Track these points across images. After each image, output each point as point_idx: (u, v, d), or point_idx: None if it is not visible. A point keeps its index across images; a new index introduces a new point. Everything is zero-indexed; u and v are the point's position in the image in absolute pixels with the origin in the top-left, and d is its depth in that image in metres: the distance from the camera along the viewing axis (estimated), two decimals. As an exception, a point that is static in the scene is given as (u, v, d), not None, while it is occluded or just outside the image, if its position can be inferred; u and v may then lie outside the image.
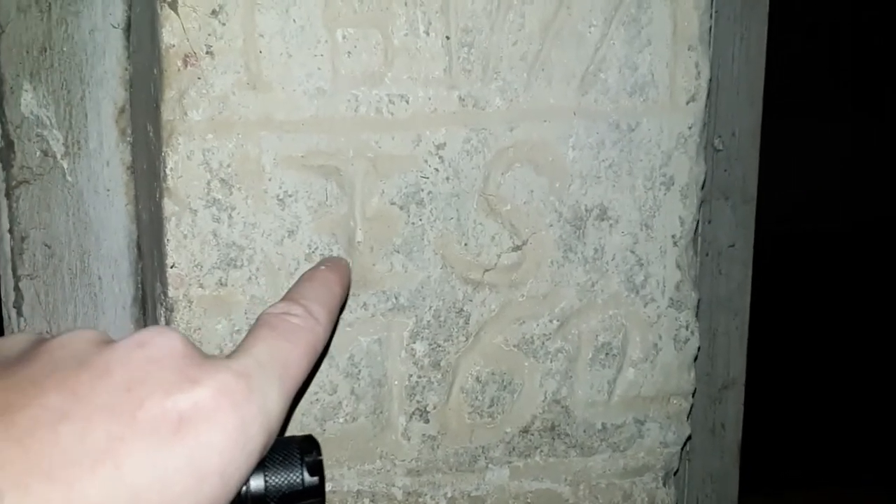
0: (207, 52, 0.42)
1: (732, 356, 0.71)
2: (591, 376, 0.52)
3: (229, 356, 0.32)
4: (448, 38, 0.46)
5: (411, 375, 0.49)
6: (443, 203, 0.48)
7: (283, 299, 0.37)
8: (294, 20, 0.43)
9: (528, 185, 0.49)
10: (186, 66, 0.42)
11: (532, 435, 0.52)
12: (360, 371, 0.48)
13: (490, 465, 0.52)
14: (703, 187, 0.53)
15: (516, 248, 0.50)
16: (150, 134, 0.46)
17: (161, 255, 0.45)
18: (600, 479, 0.54)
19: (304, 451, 0.34)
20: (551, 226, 0.50)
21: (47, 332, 0.52)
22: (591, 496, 0.54)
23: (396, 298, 0.48)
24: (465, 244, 0.49)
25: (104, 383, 0.28)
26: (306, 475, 0.34)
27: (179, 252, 0.44)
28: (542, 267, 0.50)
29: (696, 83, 0.51)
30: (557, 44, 0.48)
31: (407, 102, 0.46)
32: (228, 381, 0.29)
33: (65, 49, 0.49)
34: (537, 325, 0.51)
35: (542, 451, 0.52)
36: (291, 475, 0.33)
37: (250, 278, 0.45)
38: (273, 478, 0.33)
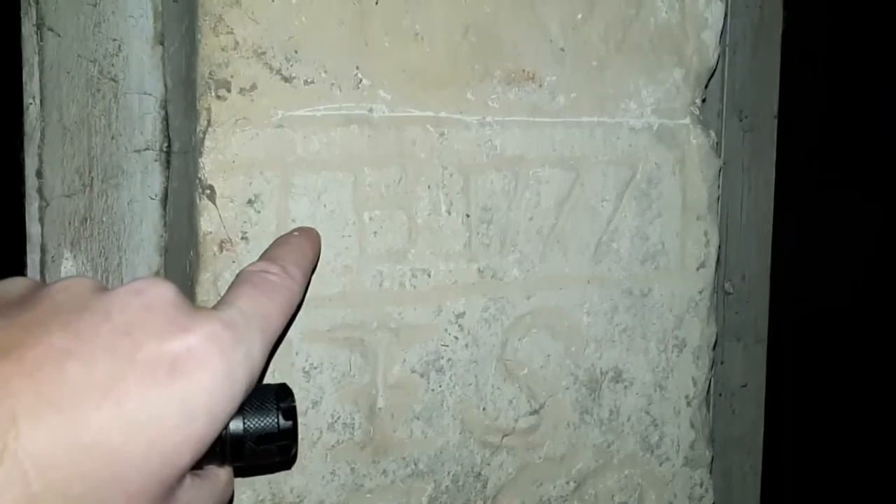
0: (242, 238, 0.44)
1: (746, 497, 0.71)
2: (607, 536, 0.53)
3: (215, 307, 0.34)
4: (468, 215, 0.48)
5: (430, 538, 0.50)
6: (462, 369, 0.49)
7: (260, 259, 0.40)
8: (325, 205, 0.46)
9: (545, 349, 0.51)
10: (222, 251, 0.44)
11: None
12: (380, 535, 0.49)
13: None
14: (714, 347, 0.55)
15: (534, 412, 0.51)
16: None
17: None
18: None
19: (280, 397, 0.37)
20: (567, 388, 0.52)
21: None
22: None
23: (416, 464, 0.49)
24: (484, 408, 0.50)
25: (105, 326, 0.30)
26: (281, 419, 0.36)
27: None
28: (559, 429, 0.52)
29: (706, 250, 0.53)
30: (572, 217, 0.50)
31: (429, 276, 0.48)
32: (218, 330, 0.32)
33: (104, 219, 0.52)
34: (554, 486, 0.52)
35: None
36: (268, 419, 0.36)
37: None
38: (251, 420, 0.35)
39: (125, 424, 0.28)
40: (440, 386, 0.49)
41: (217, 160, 0.44)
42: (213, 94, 0.44)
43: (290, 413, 0.37)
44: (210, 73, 0.44)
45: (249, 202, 0.44)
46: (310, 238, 0.44)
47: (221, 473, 0.37)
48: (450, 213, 0.48)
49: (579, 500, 0.52)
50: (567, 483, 0.52)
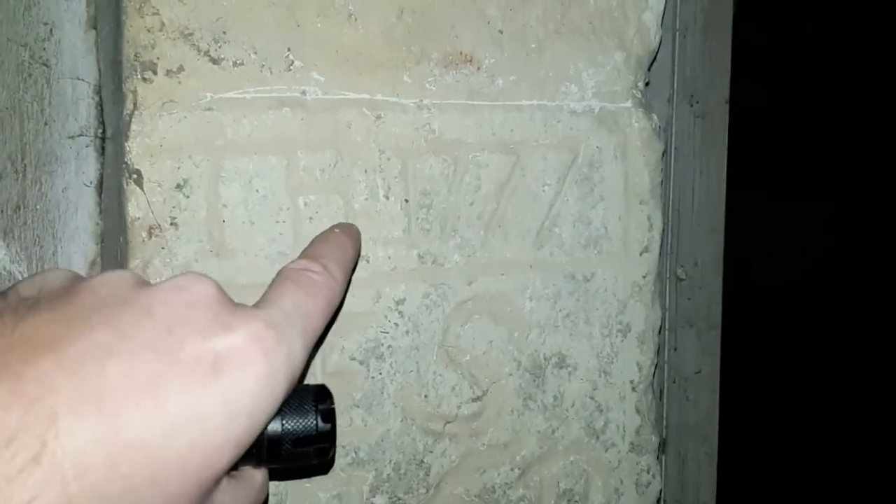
0: (172, 224, 0.44)
1: (702, 482, 0.71)
2: (553, 523, 0.53)
3: (257, 306, 0.33)
4: (407, 200, 0.48)
5: (372, 528, 0.49)
6: (403, 356, 0.49)
7: (301, 257, 0.39)
8: (257, 190, 0.45)
9: (487, 335, 0.51)
10: (151, 237, 0.43)
11: (495, 584, 0.52)
12: (320, 525, 0.48)
13: None
14: (659, 332, 0.55)
15: (477, 399, 0.51)
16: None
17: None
18: None
19: (319, 399, 0.36)
20: (511, 375, 0.51)
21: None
22: None
23: (356, 453, 0.48)
24: (426, 396, 0.49)
25: (147, 323, 0.29)
26: (320, 422, 0.36)
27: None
28: (502, 415, 0.51)
29: (649, 235, 0.53)
30: (513, 202, 0.50)
31: (367, 262, 0.48)
32: (260, 330, 0.31)
33: (38, 207, 0.50)
34: (498, 473, 0.51)
35: None
36: (306, 421, 0.35)
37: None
38: (289, 422, 0.35)
39: (166, 425, 0.28)
40: (380, 373, 0.48)
41: (144, 144, 0.43)
42: (139, 76, 0.43)
43: (329, 415, 0.36)
44: (136, 55, 0.43)
45: (178, 187, 0.43)
46: (351, 235, 0.43)
47: (257, 475, 0.36)
48: (388, 198, 0.47)
49: (524, 487, 0.52)
50: (511, 470, 0.52)
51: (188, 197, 0.44)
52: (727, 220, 0.71)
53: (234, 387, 0.29)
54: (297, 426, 0.35)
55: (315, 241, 0.42)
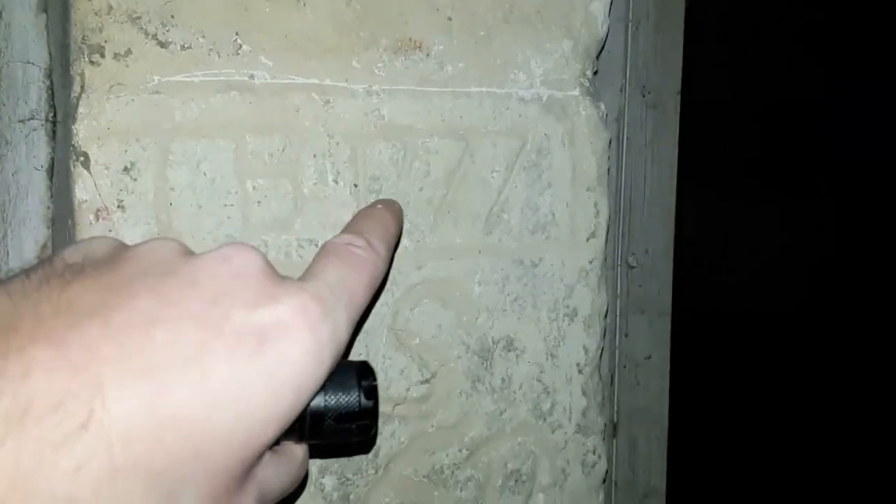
0: (119, 206, 0.44)
1: (652, 465, 0.73)
2: (501, 503, 0.54)
3: (302, 278, 0.33)
4: (356, 185, 0.48)
5: (322, 508, 0.50)
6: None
7: (345, 231, 0.39)
8: (205, 173, 0.45)
9: (437, 319, 0.51)
10: (98, 219, 0.44)
11: (443, 563, 0.53)
12: (269, 505, 0.49)
13: None
14: (605, 316, 0.56)
15: (425, 381, 0.52)
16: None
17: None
18: None
19: (362, 375, 0.36)
20: (459, 358, 0.52)
21: None
22: None
23: (306, 434, 0.49)
24: (375, 378, 0.50)
25: (193, 293, 0.29)
26: (363, 398, 0.35)
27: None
28: (451, 398, 0.52)
29: (596, 221, 0.54)
30: (462, 188, 0.51)
31: (316, 246, 0.48)
32: (307, 302, 0.30)
33: (-13, 190, 0.51)
34: (447, 454, 0.52)
35: (453, 578, 0.53)
36: (349, 397, 0.35)
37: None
38: (332, 397, 0.34)
39: (211, 397, 0.27)
40: (330, 356, 0.49)
41: (91, 126, 0.43)
42: (86, 59, 0.43)
43: (372, 392, 0.36)
44: (83, 38, 0.43)
45: (125, 170, 0.44)
46: (393, 211, 0.43)
47: (298, 451, 0.36)
48: (337, 183, 0.48)
49: (472, 468, 0.53)
50: (460, 451, 0.53)
51: (135, 180, 0.44)
52: (680, 211, 0.73)
53: (281, 360, 0.29)
54: (341, 402, 0.35)
55: (358, 217, 0.41)
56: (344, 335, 0.33)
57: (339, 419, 0.35)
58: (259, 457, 0.30)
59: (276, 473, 0.33)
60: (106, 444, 0.25)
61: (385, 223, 0.41)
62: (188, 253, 0.31)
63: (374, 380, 0.36)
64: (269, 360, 0.29)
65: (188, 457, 0.27)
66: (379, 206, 0.43)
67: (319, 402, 0.34)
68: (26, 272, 0.29)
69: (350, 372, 0.36)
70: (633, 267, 0.70)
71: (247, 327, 0.29)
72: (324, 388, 0.34)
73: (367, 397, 0.35)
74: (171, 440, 0.26)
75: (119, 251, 0.31)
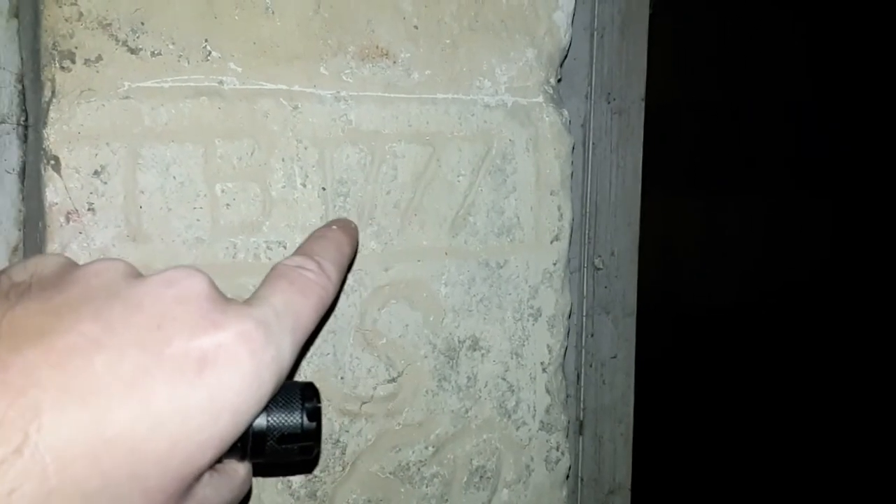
0: (89, 209, 0.45)
1: (618, 462, 0.74)
2: (466, 499, 0.55)
3: (248, 302, 0.33)
4: (324, 189, 0.50)
5: (290, 505, 0.51)
6: (320, 340, 0.51)
7: (296, 253, 0.39)
8: (174, 177, 0.46)
9: (404, 319, 0.53)
10: (69, 221, 0.44)
11: (410, 558, 0.54)
12: None
13: (369, 589, 0.53)
14: (569, 316, 0.57)
15: (392, 380, 0.53)
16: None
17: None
18: None
19: (306, 397, 0.36)
20: (426, 357, 0.53)
21: None
22: None
23: (274, 432, 0.50)
24: (342, 378, 0.51)
25: (136, 318, 0.29)
26: (305, 420, 0.36)
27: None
28: (417, 396, 0.53)
29: (559, 224, 0.56)
30: (429, 192, 0.52)
31: (285, 248, 0.49)
32: (249, 329, 0.31)
33: (-43, 192, 0.51)
34: (413, 451, 0.54)
35: (420, 572, 0.55)
36: (292, 418, 0.35)
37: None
38: (275, 418, 0.35)
39: (149, 421, 0.28)
40: (297, 356, 0.50)
41: (62, 131, 0.44)
42: (57, 64, 0.44)
43: (315, 414, 0.36)
44: (54, 44, 0.44)
45: (95, 173, 0.44)
46: (348, 232, 0.43)
47: (240, 469, 0.36)
48: (305, 186, 0.49)
49: (438, 465, 0.54)
50: (426, 448, 0.54)
51: (106, 183, 0.45)
52: (644, 214, 0.74)
53: (220, 385, 0.29)
54: (283, 423, 0.35)
55: (311, 238, 0.41)
56: (287, 359, 0.33)
57: (281, 440, 0.35)
58: (198, 477, 0.31)
59: (216, 492, 0.34)
60: (40, 467, 0.25)
61: (339, 245, 0.41)
62: (135, 274, 0.32)
63: (319, 402, 0.37)
64: (209, 385, 0.29)
65: (124, 478, 0.27)
66: (334, 226, 0.43)
67: (262, 422, 0.35)
68: None
69: (294, 393, 0.36)
70: (599, 269, 0.72)
71: (188, 353, 0.29)
72: (267, 408, 0.35)
73: (309, 419, 0.36)
74: (108, 462, 0.27)
75: (67, 271, 0.32)
